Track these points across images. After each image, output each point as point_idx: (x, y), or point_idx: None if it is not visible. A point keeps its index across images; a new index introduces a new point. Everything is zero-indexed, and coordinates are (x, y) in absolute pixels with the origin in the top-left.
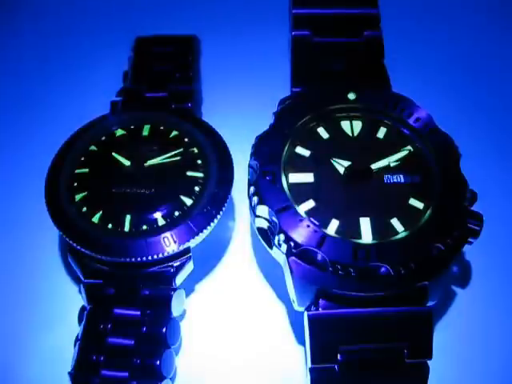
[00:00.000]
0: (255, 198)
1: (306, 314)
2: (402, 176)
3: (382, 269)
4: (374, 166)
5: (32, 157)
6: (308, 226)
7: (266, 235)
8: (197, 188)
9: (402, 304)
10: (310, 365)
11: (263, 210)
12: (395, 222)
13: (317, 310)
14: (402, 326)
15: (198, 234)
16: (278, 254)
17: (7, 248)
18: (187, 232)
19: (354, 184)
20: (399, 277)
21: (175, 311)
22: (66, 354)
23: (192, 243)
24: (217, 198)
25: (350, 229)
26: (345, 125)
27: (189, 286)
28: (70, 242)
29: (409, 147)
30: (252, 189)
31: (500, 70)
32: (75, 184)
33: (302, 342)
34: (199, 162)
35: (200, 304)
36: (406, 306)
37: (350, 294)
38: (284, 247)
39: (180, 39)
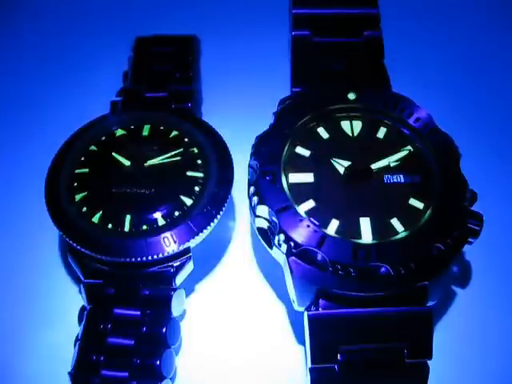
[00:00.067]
0: (255, 198)
1: (305, 313)
2: (402, 176)
3: (382, 269)
4: (374, 166)
5: (32, 157)
6: (308, 226)
7: (266, 235)
8: (197, 188)
9: (402, 304)
10: (309, 365)
11: (263, 210)
12: (395, 222)
13: (317, 310)
14: (401, 326)
15: (197, 234)
16: (278, 254)
17: (7, 248)
18: (187, 232)
19: (353, 184)
20: (399, 277)
21: (175, 311)
22: (66, 354)
23: (192, 243)
24: (217, 198)
25: (350, 229)
26: (345, 125)
27: (189, 286)
28: (70, 242)
29: (409, 147)
30: (252, 189)
31: (500, 69)
32: (75, 184)
33: (301, 341)
34: (199, 162)
35: (200, 304)
36: (405, 305)
37: (350, 294)
38: (284, 247)
39: (180, 39)
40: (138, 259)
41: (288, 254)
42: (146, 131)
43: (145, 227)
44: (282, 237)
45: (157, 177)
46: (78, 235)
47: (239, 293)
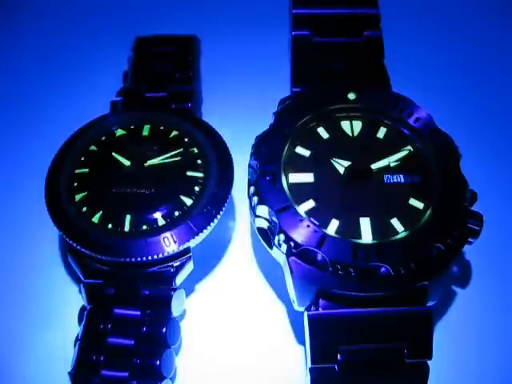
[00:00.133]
0: (255, 198)
1: (305, 313)
2: (401, 176)
3: (382, 269)
4: (374, 166)
5: (32, 157)
6: (308, 226)
7: (266, 235)
8: (197, 188)
9: (402, 304)
10: (309, 365)
11: (263, 210)
12: (395, 222)
13: (317, 309)
14: (401, 326)
15: (197, 234)
16: (278, 254)
17: (7, 248)
18: (187, 232)
19: (354, 184)
20: (399, 277)
21: (175, 311)
22: (66, 354)
23: (192, 243)
24: (217, 198)
25: (350, 229)
26: (345, 125)
27: (189, 286)
28: (70, 242)
29: (409, 147)
30: (252, 189)
31: (500, 69)
32: (75, 184)
33: (302, 341)
34: (199, 162)
35: (200, 304)
36: (405, 305)
37: (350, 294)
38: (284, 247)
39: (180, 39)
40: (138, 259)
41: (288, 254)
42: (146, 131)
43: (145, 227)
44: (281, 237)
45: (157, 177)
46: (78, 235)
47: (239, 293)
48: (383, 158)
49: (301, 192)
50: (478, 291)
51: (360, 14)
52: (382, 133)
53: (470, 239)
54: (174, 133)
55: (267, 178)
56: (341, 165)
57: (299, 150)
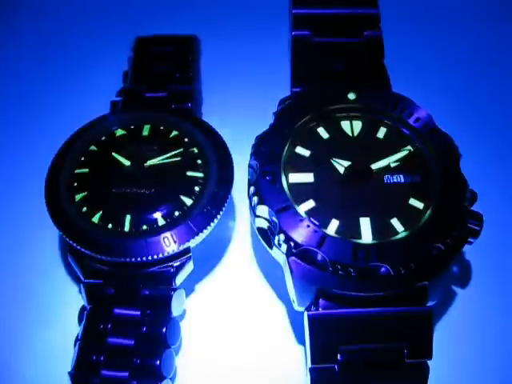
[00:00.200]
0: (255, 198)
1: (305, 313)
2: (401, 176)
3: (382, 269)
4: (374, 166)
5: (32, 157)
6: (308, 226)
7: (266, 235)
8: (197, 188)
9: (402, 304)
10: (309, 365)
11: (263, 210)
12: (395, 222)
13: (317, 309)
14: (401, 326)
15: (197, 234)
16: (278, 254)
17: (7, 248)
18: (187, 232)
19: (354, 184)
20: (399, 277)
21: (175, 311)
22: (65, 354)
23: (192, 243)
24: (217, 198)
25: (350, 229)
26: (345, 125)
27: (189, 286)
28: (70, 242)
29: (409, 147)
30: (252, 189)
31: (500, 69)
32: (75, 184)
33: (302, 341)
34: (199, 161)
35: (200, 304)
36: (405, 306)
37: (350, 294)
38: (284, 247)
39: (180, 39)
40: (138, 259)
41: (288, 253)
42: (146, 131)
43: (145, 227)
44: (282, 237)
45: (157, 177)
46: (78, 235)
47: (239, 293)
48: (383, 158)
49: (301, 192)
50: (477, 291)
51: (360, 13)
52: (382, 133)
53: (470, 239)
54: (174, 133)
55: (267, 177)
56: (341, 165)
57: (299, 149)
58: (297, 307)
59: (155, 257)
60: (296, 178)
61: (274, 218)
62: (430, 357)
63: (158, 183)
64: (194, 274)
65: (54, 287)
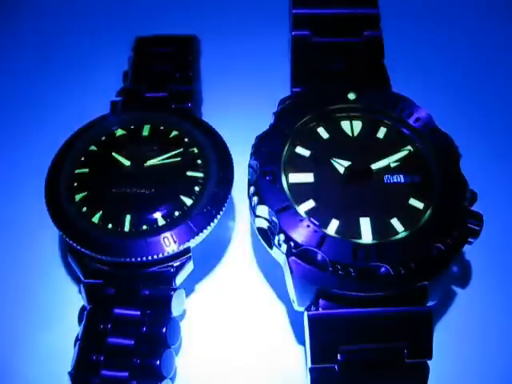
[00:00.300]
0: (255, 198)
1: (305, 313)
2: (401, 176)
3: (382, 269)
4: (374, 166)
5: (32, 157)
6: (308, 226)
7: (266, 235)
8: (197, 188)
9: (402, 304)
10: (309, 365)
11: (263, 210)
12: (395, 221)
13: (317, 309)
14: (402, 326)
15: (197, 234)
16: (278, 254)
17: (7, 248)
18: (187, 232)
19: (354, 184)
20: (399, 277)
21: (175, 311)
22: (65, 354)
23: (192, 243)
24: (217, 198)
25: (350, 229)
26: (345, 125)
27: (189, 286)
28: (70, 242)
29: (409, 147)
30: (252, 189)
31: (501, 66)
32: (75, 184)
33: (302, 341)
34: (199, 161)
35: (200, 304)
36: (405, 306)
37: (350, 294)
38: (284, 247)
39: (180, 39)
40: (138, 259)
41: (288, 253)
42: (146, 131)
43: (145, 227)
44: (282, 237)
45: (157, 177)
46: (78, 235)
47: (239, 293)
48: (383, 158)
49: (301, 192)
50: (477, 291)
51: (360, 13)
52: (382, 133)
53: (469, 239)
54: (174, 133)
55: (267, 177)
56: (341, 165)
57: (299, 149)
58: (297, 307)
59: (155, 257)
60: (296, 177)
61: (274, 218)
62: (430, 357)
63: (158, 183)
64: (193, 274)
65: (54, 287)
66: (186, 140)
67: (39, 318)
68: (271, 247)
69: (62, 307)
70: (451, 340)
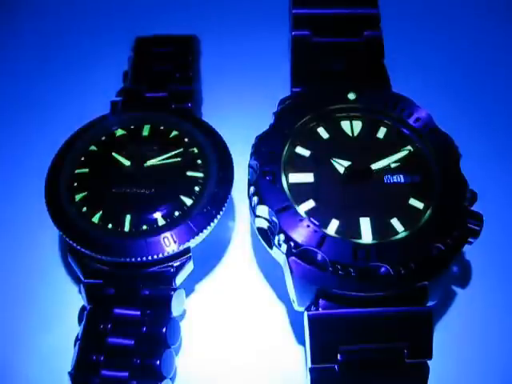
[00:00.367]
0: (255, 198)
1: (305, 313)
2: (401, 176)
3: (382, 269)
4: (374, 166)
5: (32, 157)
6: (308, 226)
7: (266, 235)
8: (197, 188)
9: (402, 304)
10: (309, 365)
11: (263, 210)
12: (395, 221)
13: (317, 309)
14: (402, 326)
15: (197, 234)
16: (278, 254)
17: (7, 248)
18: (187, 232)
19: (354, 184)
20: (399, 277)
21: (175, 311)
22: (65, 354)
23: (192, 243)
24: (217, 198)
25: (350, 229)
26: (345, 125)
27: (189, 286)
28: (70, 242)
29: (409, 147)
30: (252, 189)
31: (500, 68)
32: (75, 184)
33: (302, 341)
34: (199, 161)
35: (200, 304)
36: (406, 305)
37: (350, 293)
38: (284, 247)
39: (180, 39)
40: (138, 259)
41: (288, 253)
42: (145, 131)
43: (145, 227)
44: (282, 237)
45: (157, 177)
46: (78, 235)
47: (239, 293)
48: (383, 158)
49: (301, 192)
50: (477, 291)
51: (360, 13)
52: (381, 133)
53: (470, 239)
54: (174, 133)
55: (267, 178)
56: (341, 165)
57: (299, 149)
58: (297, 307)
59: (155, 257)
60: (296, 177)
61: (274, 218)
62: (430, 357)
63: (158, 183)
64: (193, 274)
65: (54, 287)
66: (186, 140)
67: (39, 318)
68: (271, 247)
69: (62, 307)
70: (451, 340)
